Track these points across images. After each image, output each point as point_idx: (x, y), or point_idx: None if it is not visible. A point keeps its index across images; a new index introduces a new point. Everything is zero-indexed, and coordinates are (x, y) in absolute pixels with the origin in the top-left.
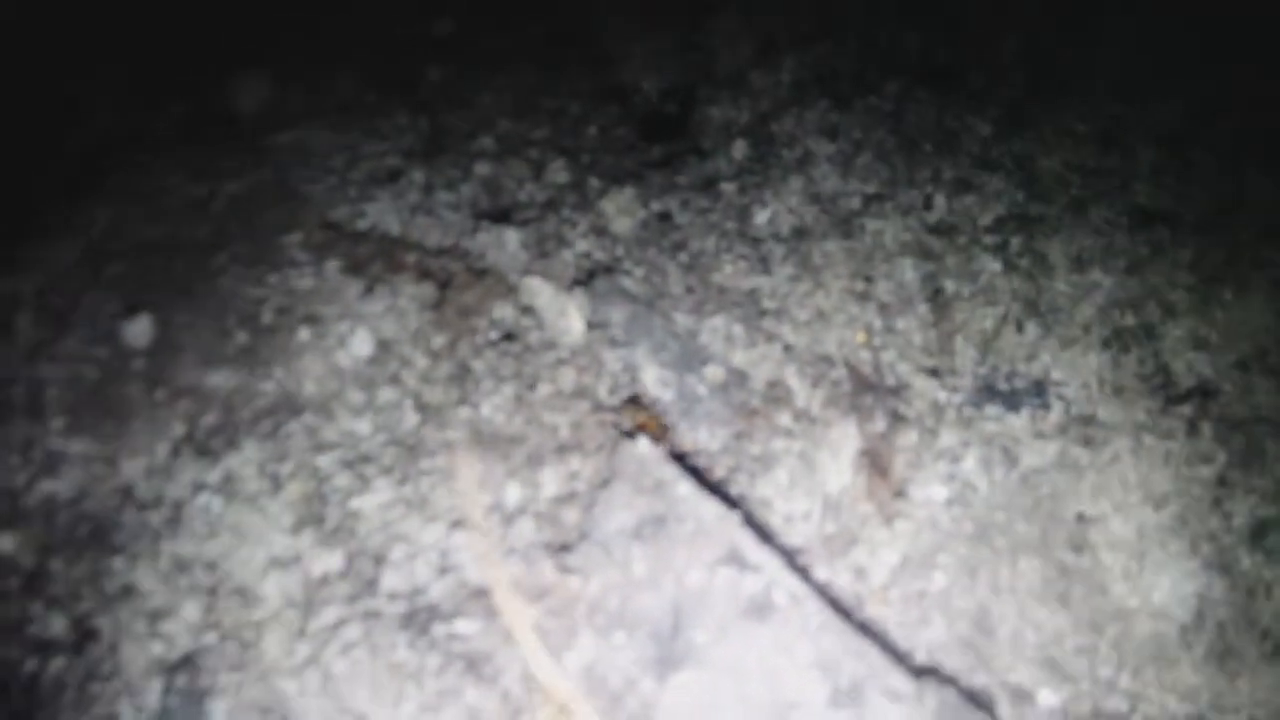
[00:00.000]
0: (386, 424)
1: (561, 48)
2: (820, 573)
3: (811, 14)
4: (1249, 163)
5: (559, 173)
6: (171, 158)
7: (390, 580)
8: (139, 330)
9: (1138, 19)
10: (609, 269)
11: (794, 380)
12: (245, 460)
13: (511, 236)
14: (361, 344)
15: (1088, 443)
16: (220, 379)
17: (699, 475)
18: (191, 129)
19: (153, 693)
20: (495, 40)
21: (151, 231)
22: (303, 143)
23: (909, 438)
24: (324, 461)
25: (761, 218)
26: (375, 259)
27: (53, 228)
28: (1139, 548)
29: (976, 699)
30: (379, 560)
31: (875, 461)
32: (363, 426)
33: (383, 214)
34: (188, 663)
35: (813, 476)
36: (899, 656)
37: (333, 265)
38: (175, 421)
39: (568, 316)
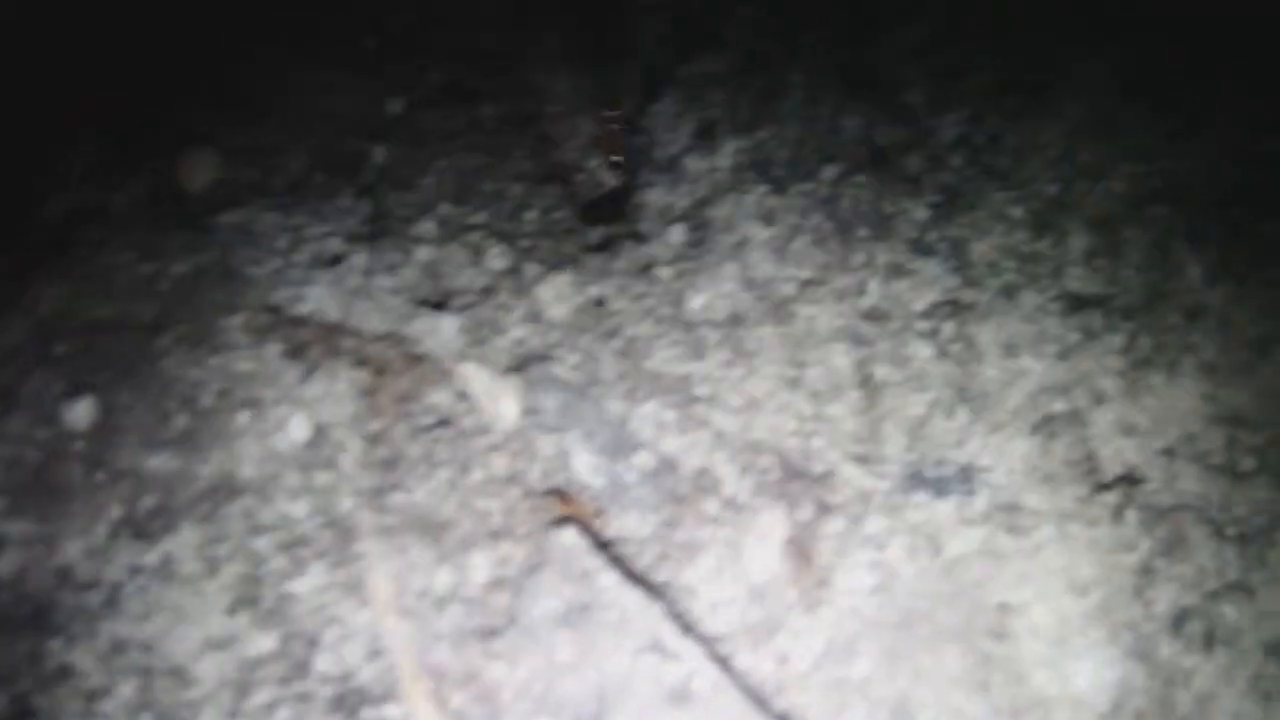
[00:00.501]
0: (322, 507)
1: (507, 130)
2: (742, 660)
3: (751, 98)
4: (1180, 246)
5: (497, 258)
6: (124, 235)
7: (322, 663)
8: (81, 412)
9: (1087, 100)
10: (543, 356)
11: (723, 467)
12: (183, 543)
13: (448, 323)
14: (299, 428)
15: (1013, 530)
16: (160, 461)
17: (626, 563)
18: (144, 207)
19: None
20: (443, 121)
21: (100, 311)
22: (248, 223)
23: (835, 525)
24: (261, 544)
25: (696, 303)
26: (315, 344)
27: (3, 305)
28: (1060, 635)
29: None
30: (312, 643)
31: (801, 549)
32: (299, 509)
33: (323, 298)
34: None
35: (738, 564)
36: None
37: (273, 349)
38: (114, 503)
39: (501, 402)
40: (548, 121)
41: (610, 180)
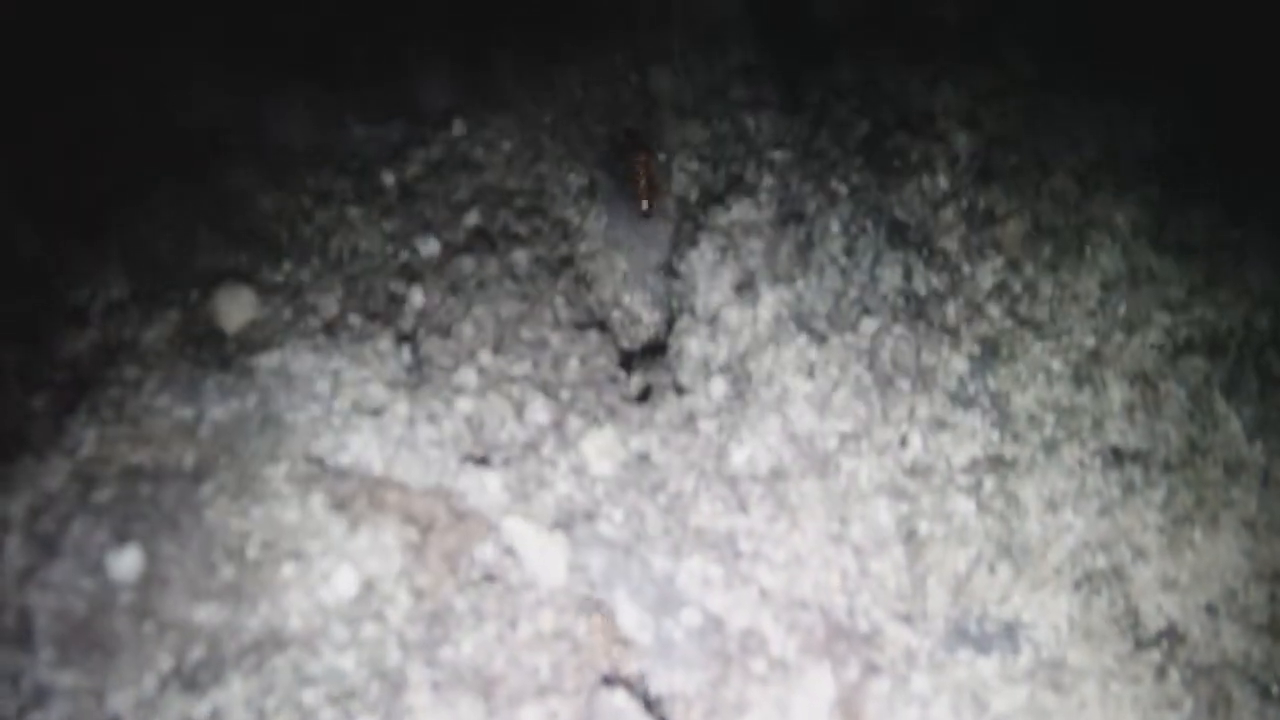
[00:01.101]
0: (371, 660)
1: (543, 275)
2: None
3: (790, 249)
4: (1218, 399)
5: (540, 412)
6: (159, 374)
7: None
8: (127, 563)
9: (1120, 248)
10: (589, 513)
11: (769, 625)
12: (232, 695)
13: (493, 478)
14: (346, 581)
15: (1056, 688)
16: (207, 613)
17: None
18: (179, 344)
19: None
20: (478, 267)
21: (138, 456)
22: (286, 366)
23: (882, 685)
24: (309, 696)
25: (739, 457)
26: (359, 496)
27: (41, 447)
28: None
29: None
30: None
31: (848, 709)
32: (347, 662)
33: (366, 448)
34: None
35: None
36: None
37: (317, 500)
38: (163, 655)
39: (548, 558)
40: (581, 259)
41: (649, 318)
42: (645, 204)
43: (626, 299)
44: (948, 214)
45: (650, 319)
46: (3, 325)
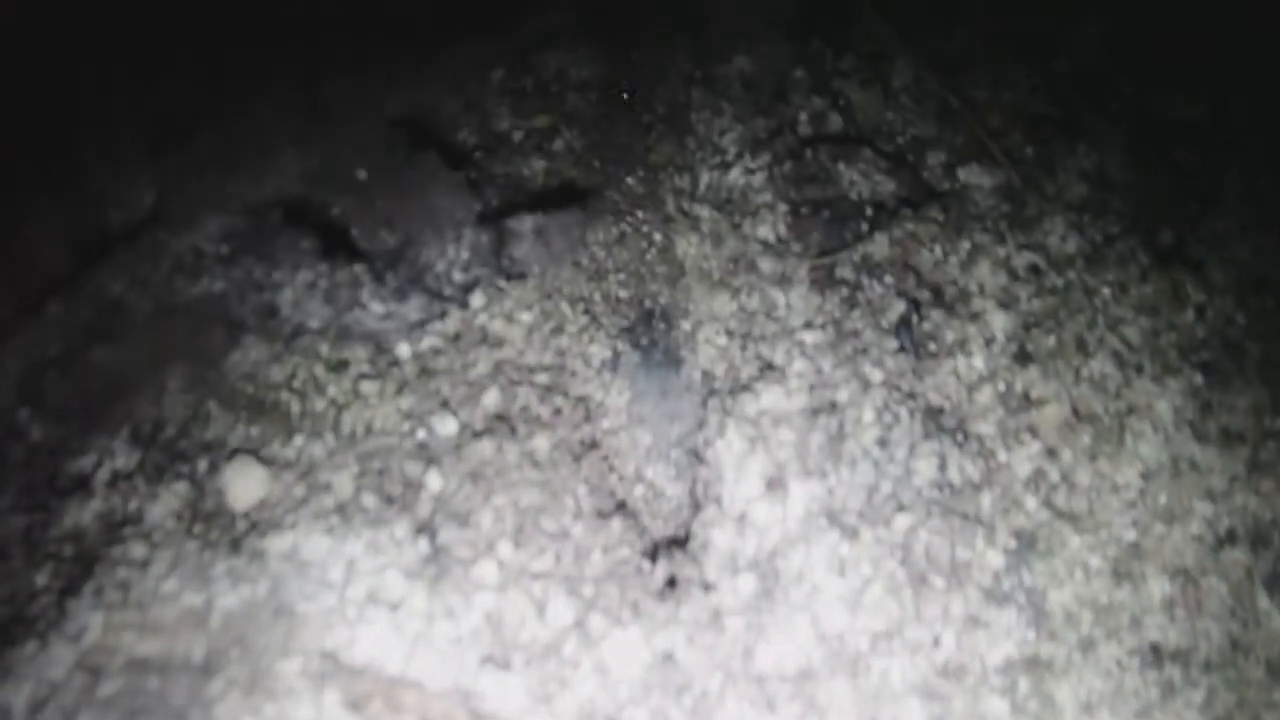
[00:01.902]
0: None
1: (566, 459)
2: None
3: (821, 440)
4: (1260, 594)
5: (562, 610)
6: (167, 555)
7: None
8: None
9: (1161, 435)
10: (612, 717)
11: None
12: None
13: (514, 680)
14: None
15: None
16: None
17: None
18: (187, 521)
19: None
20: (498, 450)
21: (146, 646)
22: (299, 550)
23: None
24: None
25: (767, 657)
26: (374, 696)
27: (45, 631)
28: None
29: None
30: None
31: None
32: None
33: (382, 643)
34: None
35: None
36: None
37: (331, 698)
38: None
39: None
40: (604, 437)
41: (672, 492)
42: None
43: (649, 473)
44: (984, 397)
45: (673, 493)
46: (6, 495)
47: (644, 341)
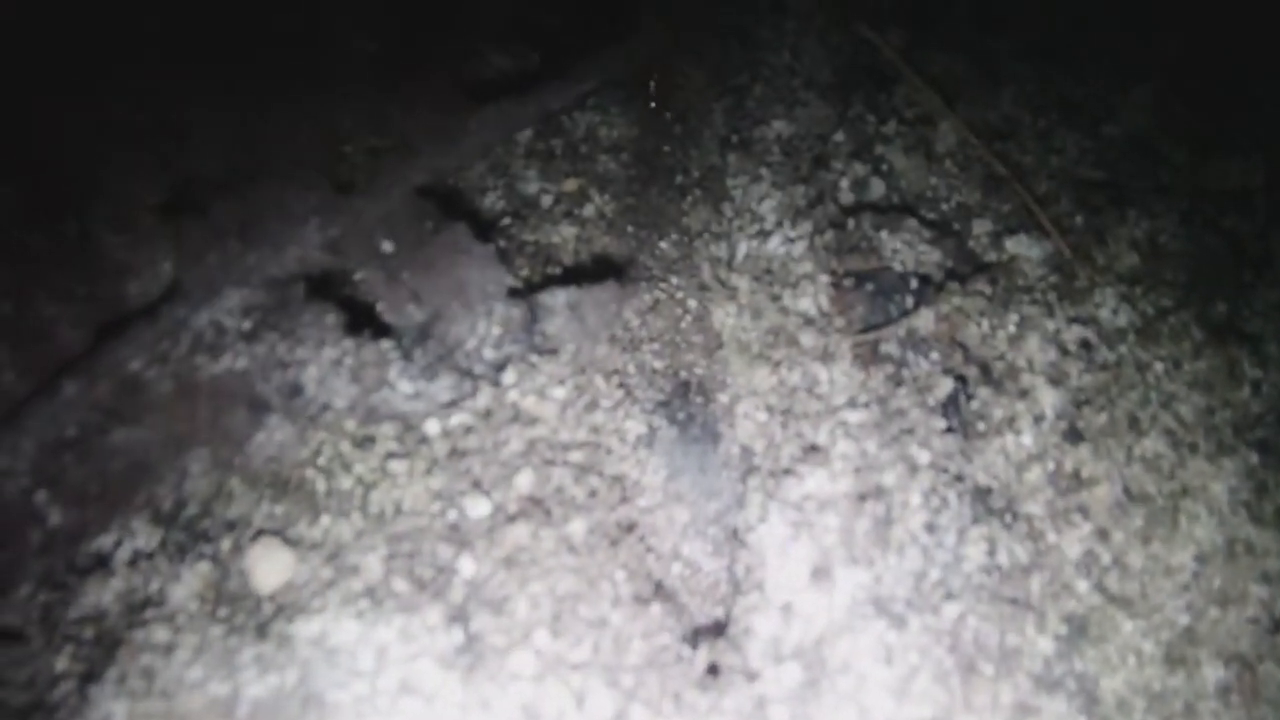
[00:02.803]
0: None
1: (603, 544)
2: None
3: (868, 526)
4: None
5: (602, 702)
6: (192, 640)
7: None
8: None
9: (1216, 519)
10: None
11: None
12: None
13: None
14: None
15: None
16: None
17: None
18: (211, 604)
19: None
20: (533, 536)
21: None
22: (327, 636)
23: None
24: None
25: None
26: None
27: None
28: None
29: None
30: None
31: None
32: None
33: None
34: None
35: None
36: None
37: None
38: None
39: None
40: (640, 515)
41: (709, 567)
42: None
43: (686, 551)
44: (1033, 476)
45: (711, 569)
46: (25, 576)
47: (680, 416)
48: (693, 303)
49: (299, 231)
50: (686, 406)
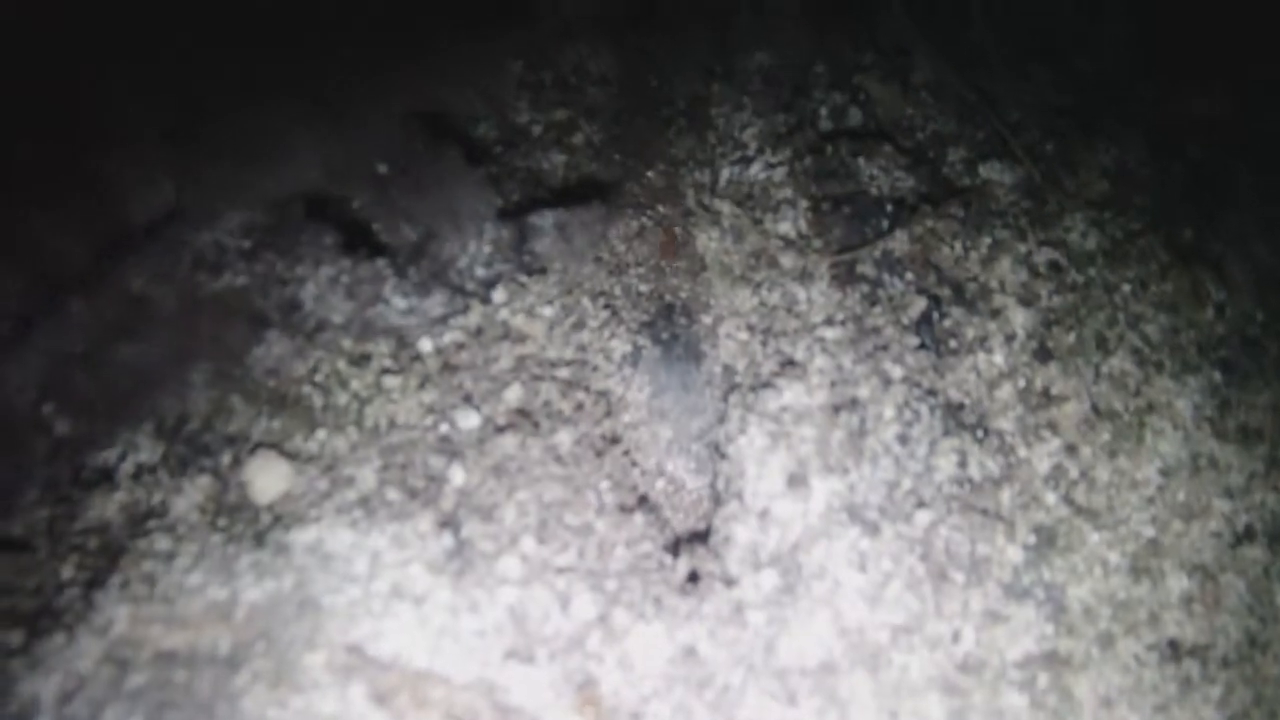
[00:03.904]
0: None
1: (588, 454)
2: None
3: (843, 437)
4: (1277, 590)
5: (585, 605)
6: (192, 548)
7: None
8: None
9: (1181, 434)
10: (636, 712)
11: None
12: None
13: (538, 673)
14: None
15: None
16: None
17: None
18: (211, 515)
19: None
20: (521, 447)
21: (172, 639)
22: (323, 544)
23: None
24: None
25: (788, 650)
26: (401, 690)
27: (72, 624)
28: None
29: None
30: None
31: None
32: None
33: (407, 637)
34: None
35: None
36: None
37: (357, 691)
38: None
39: None
40: (625, 431)
41: (692, 485)
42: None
43: (670, 467)
44: (1004, 393)
45: (694, 486)
46: (31, 488)
47: (665, 336)
48: (678, 229)
49: (296, 155)
50: (670, 327)
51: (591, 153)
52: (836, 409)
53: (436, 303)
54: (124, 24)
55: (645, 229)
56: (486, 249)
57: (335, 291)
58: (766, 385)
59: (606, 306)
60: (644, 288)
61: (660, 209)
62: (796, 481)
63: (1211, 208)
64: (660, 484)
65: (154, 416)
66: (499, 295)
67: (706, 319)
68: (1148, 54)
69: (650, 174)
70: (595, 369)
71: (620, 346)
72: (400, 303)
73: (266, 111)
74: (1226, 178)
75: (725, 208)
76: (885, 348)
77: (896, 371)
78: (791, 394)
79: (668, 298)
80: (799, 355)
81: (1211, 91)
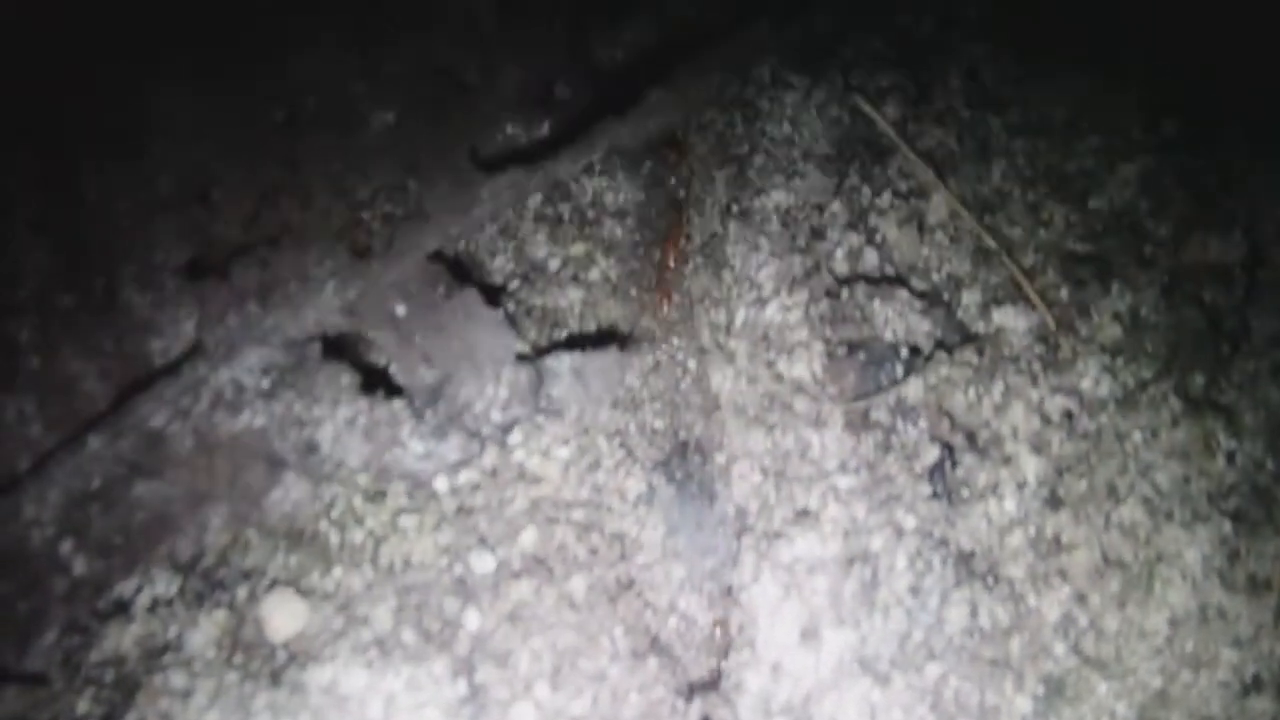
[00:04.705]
0: None
1: (602, 600)
2: None
3: (855, 588)
4: None
5: None
6: (208, 685)
7: None
8: None
9: (1190, 586)
10: None
11: None
12: None
13: None
14: None
15: None
16: None
17: None
18: (227, 651)
19: None
20: (536, 593)
21: None
22: (338, 684)
23: None
24: None
25: None
26: None
27: None
28: None
29: None
30: None
31: None
32: None
33: None
34: None
35: None
36: None
37: None
38: None
39: None
40: (638, 572)
41: (704, 621)
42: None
43: (683, 604)
44: (1014, 540)
45: (705, 622)
46: (49, 626)
47: (679, 475)
48: (693, 364)
49: (317, 295)
50: (685, 465)
51: (609, 288)
52: (849, 561)
53: (453, 447)
54: (151, 159)
55: (661, 364)
56: (504, 393)
57: (352, 434)
58: (779, 535)
59: (622, 445)
60: (659, 424)
61: (676, 342)
62: (809, 634)
63: (1224, 355)
64: (673, 622)
65: (170, 553)
66: (515, 437)
67: (720, 458)
68: (1165, 198)
69: (666, 307)
70: (610, 510)
71: (635, 486)
72: (417, 446)
73: (289, 251)
74: (1240, 324)
75: (740, 348)
76: (898, 497)
77: (909, 521)
78: (804, 544)
79: (682, 434)
80: (812, 504)
81: (1227, 237)
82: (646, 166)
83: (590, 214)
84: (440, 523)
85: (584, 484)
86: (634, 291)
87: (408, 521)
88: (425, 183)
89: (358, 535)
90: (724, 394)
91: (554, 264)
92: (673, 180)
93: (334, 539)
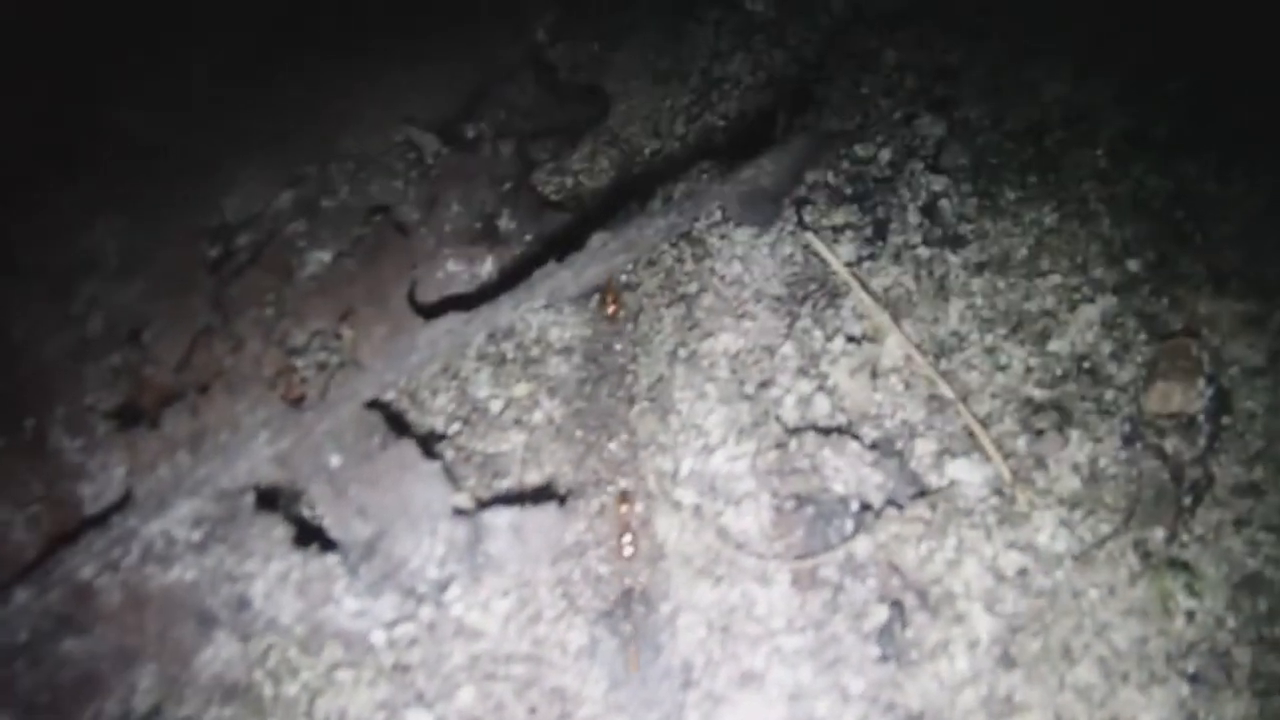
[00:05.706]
0: None
1: None
2: None
3: None
4: None
5: None
6: None
7: None
8: None
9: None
10: None
11: None
12: None
13: None
14: None
15: None
16: None
17: None
18: None
19: None
20: None
21: None
22: None
23: None
24: None
25: None
26: None
27: None
28: None
29: None
30: None
31: None
32: None
33: None
34: None
35: None
36: None
37: None
38: None
39: None
40: None
41: None
42: None
43: None
44: (965, 700)
45: None
46: None
47: (624, 627)
48: (639, 508)
49: (248, 444)
50: (629, 616)
51: (553, 431)
52: None
53: (388, 605)
54: (80, 301)
55: (606, 507)
56: (440, 549)
57: (285, 590)
58: (724, 699)
59: (564, 595)
60: (603, 570)
61: (621, 484)
62: None
63: (1185, 507)
64: None
65: (97, 714)
66: (452, 593)
67: (665, 608)
68: (1126, 342)
69: (612, 447)
70: (551, 664)
71: (577, 639)
72: (351, 604)
73: (221, 399)
74: (1202, 475)
75: (686, 497)
76: (845, 659)
77: (856, 685)
78: (749, 708)
79: (627, 581)
80: (758, 664)
81: (1189, 384)
82: (594, 300)
83: (534, 351)
84: (377, 678)
85: (524, 637)
86: (579, 433)
87: (344, 675)
88: (361, 330)
89: (292, 688)
90: (669, 542)
91: (496, 405)
92: (621, 315)
93: (268, 691)
